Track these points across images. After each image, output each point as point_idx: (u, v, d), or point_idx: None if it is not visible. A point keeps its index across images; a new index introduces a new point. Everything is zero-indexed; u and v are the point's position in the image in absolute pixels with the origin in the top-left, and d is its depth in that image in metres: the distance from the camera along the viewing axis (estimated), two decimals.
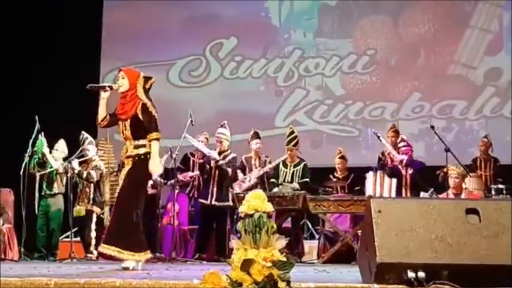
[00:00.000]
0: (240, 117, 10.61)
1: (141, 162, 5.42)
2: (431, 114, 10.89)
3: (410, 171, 8.35)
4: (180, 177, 8.67)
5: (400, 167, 8.38)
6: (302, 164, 8.59)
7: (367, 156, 8.75)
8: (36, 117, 8.43)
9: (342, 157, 9.13)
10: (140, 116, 5.42)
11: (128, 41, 11.79)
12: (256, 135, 8.91)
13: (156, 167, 5.40)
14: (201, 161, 8.71)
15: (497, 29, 10.99)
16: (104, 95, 5.53)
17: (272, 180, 8.59)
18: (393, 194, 7.88)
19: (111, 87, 5.51)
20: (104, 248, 5.28)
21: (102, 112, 5.55)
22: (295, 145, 8.57)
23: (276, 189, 8.31)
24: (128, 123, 5.45)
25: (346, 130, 11.10)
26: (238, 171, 8.75)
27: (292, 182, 8.48)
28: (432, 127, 8.58)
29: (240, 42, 11.66)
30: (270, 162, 8.69)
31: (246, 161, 8.85)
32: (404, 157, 8.39)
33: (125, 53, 11.72)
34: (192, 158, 8.87)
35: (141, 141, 5.46)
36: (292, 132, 8.64)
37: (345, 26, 11.49)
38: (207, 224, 8.51)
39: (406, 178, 8.36)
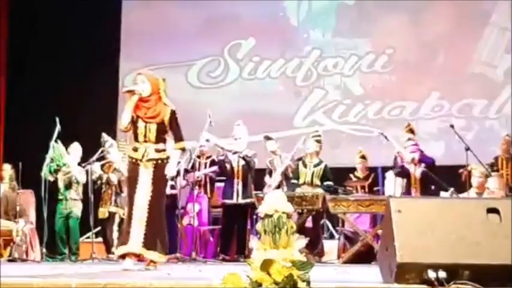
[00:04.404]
0: (258, 117, 10.62)
1: (163, 167, 5.59)
2: (450, 113, 10.80)
3: (419, 170, 8.29)
4: (189, 177, 8.67)
5: (408, 166, 8.33)
6: (323, 165, 8.54)
7: (387, 156, 8.70)
8: (57, 119, 8.50)
9: (363, 157, 9.12)
10: (167, 123, 5.60)
11: (146, 42, 11.82)
12: (267, 138, 8.97)
13: (171, 170, 5.64)
14: (211, 159, 8.78)
15: None
16: (133, 99, 5.59)
17: (293, 181, 8.57)
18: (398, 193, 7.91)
19: (138, 92, 5.60)
20: (144, 252, 5.45)
21: (129, 116, 5.59)
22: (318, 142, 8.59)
23: (298, 190, 8.30)
24: (154, 126, 5.57)
25: (365, 130, 11.06)
26: (266, 176, 8.81)
27: (312, 182, 8.44)
28: (452, 126, 8.52)
29: (258, 42, 11.65)
30: (287, 158, 8.71)
31: (271, 164, 8.89)
32: (415, 154, 8.33)
33: (144, 54, 11.76)
34: (198, 160, 8.90)
35: (162, 146, 5.65)
36: (317, 131, 8.80)
37: (364, 25, 11.44)
38: (230, 225, 8.53)
39: (415, 177, 8.32)
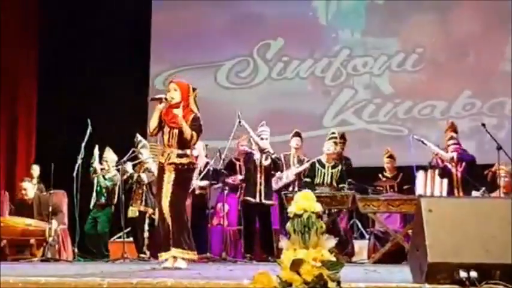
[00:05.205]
0: (288, 117, 10.62)
1: (185, 171, 5.75)
2: (482, 112, 10.70)
3: (460, 169, 8.20)
4: (229, 180, 8.70)
5: (450, 166, 8.24)
6: (340, 166, 8.51)
7: (417, 155, 8.63)
8: (89, 120, 8.61)
9: (390, 156, 9.05)
10: (189, 125, 5.69)
11: (176, 44, 11.90)
12: (296, 134, 8.96)
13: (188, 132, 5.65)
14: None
15: None
16: (159, 107, 5.76)
17: (306, 179, 8.53)
18: (444, 194, 7.78)
19: (166, 100, 5.75)
20: (177, 252, 5.62)
21: (155, 122, 5.77)
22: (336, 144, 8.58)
23: (318, 190, 8.25)
24: (176, 132, 5.70)
25: (396, 129, 11.00)
26: None
27: (331, 183, 8.42)
28: (483, 125, 8.43)
29: (287, 42, 11.65)
30: (308, 162, 8.68)
31: (284, 158, 8.86)
32: (454, 154, 8.25)
33: (173, 56, 11.84)
34: (237, 163, 8.90)
35: (184, 151, 5.74)
36: (333, 132, 8.71)
37: (393, 24, 11.38)
38: (252, 224, 8.51)
39: (457, 177, 8.22)
